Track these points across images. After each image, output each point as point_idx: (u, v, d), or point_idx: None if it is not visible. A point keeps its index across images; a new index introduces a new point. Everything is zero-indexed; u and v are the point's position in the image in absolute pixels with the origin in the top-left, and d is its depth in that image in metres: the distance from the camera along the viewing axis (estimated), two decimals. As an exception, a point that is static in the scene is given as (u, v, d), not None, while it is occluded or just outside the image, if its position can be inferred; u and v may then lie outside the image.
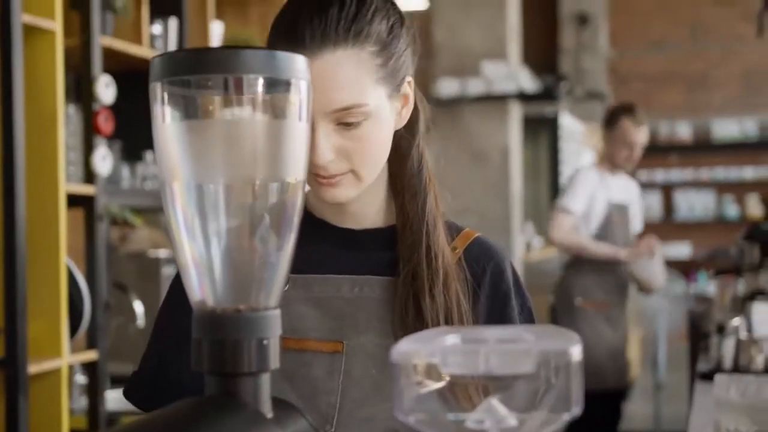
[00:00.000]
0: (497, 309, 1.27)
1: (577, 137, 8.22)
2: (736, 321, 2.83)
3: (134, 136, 3.15)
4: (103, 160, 2.99)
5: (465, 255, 1.27)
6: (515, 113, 6.41)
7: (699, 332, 3.99)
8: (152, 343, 1.31)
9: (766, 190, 9.32)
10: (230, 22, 4.00)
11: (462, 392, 0.68)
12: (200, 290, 0.71)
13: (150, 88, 0.71)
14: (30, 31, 2.68)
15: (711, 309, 3.87)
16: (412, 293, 1.21)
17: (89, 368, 3.00)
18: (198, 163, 0.71)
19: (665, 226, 9.40)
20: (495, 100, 6.22)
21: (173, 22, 3.47)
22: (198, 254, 0.71)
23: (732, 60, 9.34)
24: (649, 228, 8.91)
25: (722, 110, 9.39)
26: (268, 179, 0.71)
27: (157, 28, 3.40)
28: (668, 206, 9.59)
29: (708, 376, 2.58)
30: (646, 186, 9.35)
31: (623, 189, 4.43)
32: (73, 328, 2.86)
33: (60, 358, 2.74)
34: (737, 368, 2.62)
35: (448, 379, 0.67)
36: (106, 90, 2.97)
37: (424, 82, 6.44)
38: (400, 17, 1.24)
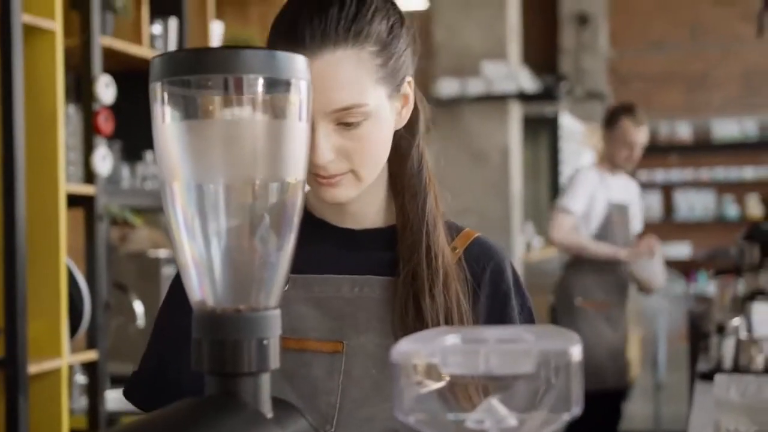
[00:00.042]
0: (497, 309, 1.27)
1: (577, 137, 8.22)
2: (736, 321, 2.83)
3: (134, 136, 3.15)
4: (103, 160, 2.99)
5: (465, 255, 1.27)
6: (515, 113, 6.41)
7: (699, 332, 3.99)
8: (152, 344, 1.31)
9: (766, 190, 9.32)
10: (230, 22, 4.01)
11: (462, 392, 0.68)
12: (200, 290, 0.71)
13: (150, 88, 0.71)
14: (30, 31, 2.68)
15: (711, 309, 3.87)
16: (412, 293, 1.21)
17: (89, 368, 3.00)
18: (198, 163, 0.71)
19: (665, 226, 9.40)
20: (495, 100, 6.22)
21: (173, 22, 3.47)
22: (198, 254, 0.71)
23: (732, 60, 9.34)
24: (649, 228, 8.91)
25: (722, 110, 9.39)
26: (268, 179, 0.71)
27: (157, 28, 3.41)
28: (668, 206, 9.59)
29: (708, 376, 2.58)
30: (646, 186, 9.35)
31: (623, 189, 4.43)
32: (73, 328, 2.86)
33: (60, 358, 2.74)
34: (737, 368, 2.62)
35: (448, 379, 0.67)
36: (106, 90, 2.97)
37: (424, 82, 6.45)
38: (400, 17, 1.24)
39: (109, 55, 3.07)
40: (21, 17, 2.59)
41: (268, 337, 0.70)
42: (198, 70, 0.69)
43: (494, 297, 1.27)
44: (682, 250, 9.38)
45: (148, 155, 3.37)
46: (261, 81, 0.69)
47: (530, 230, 7.16)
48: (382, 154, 1.22)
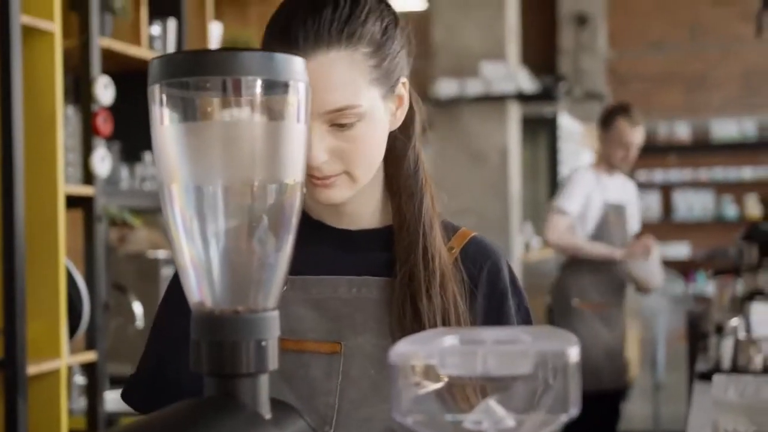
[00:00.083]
0: (494, 308, 1.27)
1: (576, 138, 8.22)
2: (735, 321, 2.83)
3: (133, 137, 3.16)
4: (102, 161, 2.99)
5: (461, 255, 1.27)
6: (514, 114, 6.41)
7: (698, 332, 3.99)
8: (150, 345, 1.31)
9: (764, 190, 9.32)
10: (229, 23, 4.01)
11: (460, 393, 0.68)
12: (199, 291, 0.71)
13: (148, 90, 0.71)
14: (29, 32, 2.68)
15: (710, 309, 3.87)
16: (409, 294, 1.21)
17: (88, 369, 3.00)
18: (196, 165, 0.71)
19: (664, 226, 9.40)
20: (494, 101, 6.23)
21: (172, 23, 3.47)
22: (197, 256, 0.71)
23: (731, 60, 9.35)
24: (648, 228, 8.91)
25: (721, 110, 9.40)
26: (266, 181, 0.71)
27: (155, 29, 3.41)
28: (667, 206, 9.59)
29: (707, 376, 2.59)
30: (644, 186, 9.36)
31: (620, 189, 4.42)
32: (72, 329, 2.87)
33: (59, 359, 2.74)
34: (736, 368, 2.62)
35: (446, 380, 0.67)
36: (104, 91, 2.97)
37: (422, 82, 6.44)
38: (395, 18, 1.23)
39: (108, 56, 3.07)
40: (20, 18, 2.60)
41: (267, 339, 0.70)
42: (196, 72, 0.70)
43: (491, 296, 1.27)
44: (681, 250, 9.38)
45: (147, 156, 3.37)
46: (259, 83, 0.70)
47: (529, 230, 7.16)
48: (377, 155, 1.22)
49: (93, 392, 2.99)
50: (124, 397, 1.30)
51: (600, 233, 4.30)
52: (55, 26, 2.74)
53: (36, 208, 2.71)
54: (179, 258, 0.71)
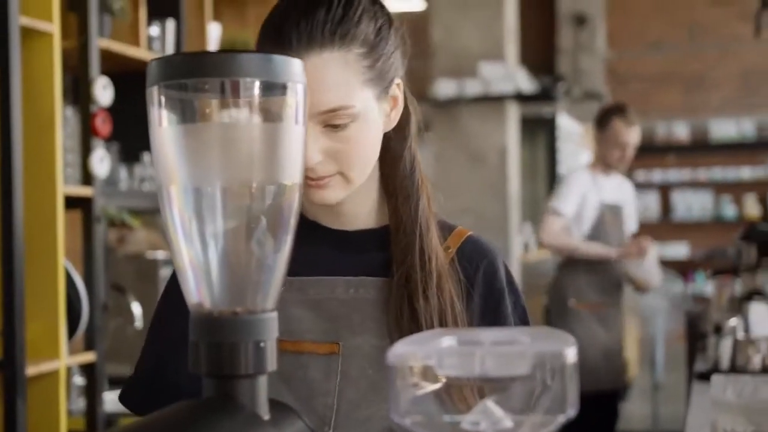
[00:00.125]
0: (491, 307, 1.27)
1: (575, 138, 8.23)
2: (733, 321, 2.83)
3: (132, 138, 3.16)
4: (101, 161, 2.99)
5: (458, 254, 1.27)
6: (513, 114, 6.42)
7: (697, 332, 3.99)
8: (148, 346, 1.30)
9: (763, 190, 9.33)
10: (228, 24, 4.01)
11: (458, 394, 0.68)
12: (197, 293, 0.71)
13: (147, 92, 0.71)
14: (27, 33, 2.68)
15: (708, 309, 3.87)
16: (407, 295, 1.21)
17: (87, 370, 3.00)
18: (195, 167, 0.71)
19: (663, 226, 9.41)
20: (492, 101, 6.23)
21: (171, 24, 3.47)
22: (195, 257, 0.71)
23: (729, 60, 9.35)
24: (647, 228, 8.92)
25: (720, 110, 9.40)
26: (264, 182, 0.71)
27: (154, 30, 3.41)
28: (666, 206, 9.60)
29: (705, 376, 2.59)
30: (643, 186, 9.37)
31: (616, 190, 4.42)
32: (71, 330, 2.87)
33: (58, 360, 2.74)
34: (734, 368, 2.63)
35: (444, 381, 0.67)
36: (103, 92, 2.98)
37: (421, 82, 6.45)
38: (389, 19, 1.23)
39: (107, 56, 3.08)
40: (18, 19, 2.60)
41: (265, 340, 0.70)
42: (195, 74, 0.70)
43: (488, 296, 1.27)
44: (679, 250, 9.39)
45: (146, 157, 3.37)
46: (257, 84, 0.70)
47: (528, 231, 7.16)
48: (371, 155, 1.22)
49: (92, 393, 2.99)
50: (122, 398, 1.30)
51: (596, 233, 4.30)
52: (53, 27, 2.74)
53: (35, 208, 2.71)
54: (178, 259, 0.72)
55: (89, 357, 2.95)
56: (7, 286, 2.58)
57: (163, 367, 1.26)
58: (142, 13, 3.33)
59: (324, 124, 1.16)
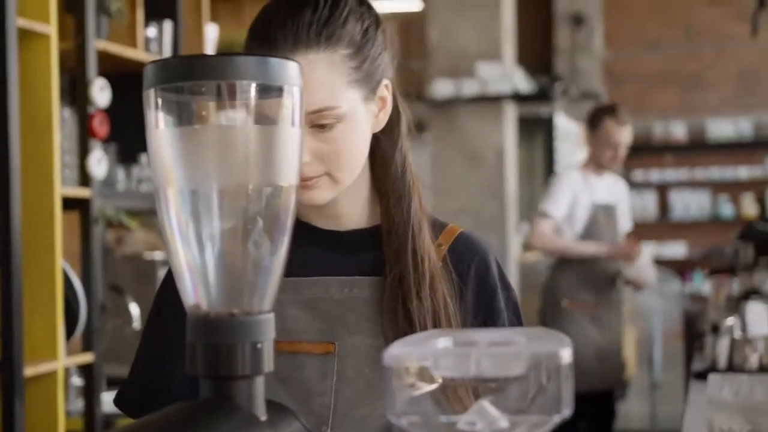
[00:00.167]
0: (484, 303, 1.28)
1: (572, 137, 8.23)
2: (731, 320, 2.83)
3: (129, 139, 3.16)
4: (99, 163, 2.99)
5: (450, 251, 1.28)
6: (510, 114, 6.42)
7: (694, 331, 4.00)
8: (142, 348, 1.30)
9: (760, 189, 9.33)
10: (225, 25, 4.01)
11: (454, 395, 0.69)
12: (194, 294, 0.71)
13: (144, 94, 0.71)
14: (25, 34, 2.69)
15: (706, 308, 3.87)
16: (400, 296, 1.21)
17: (85, 370, 3.00)
18: (192, 169, 0.72)
19: (661, 226, 9.41)
20: (490, 101, 6.23)
21: (168, 25, 3.47)
22: (192, 259, 0.71)
23: (726, 60, 9.36)
24: (645, 227, 8.94)
25: (717, 110, 9.41)
26: (261, 184, 0.72)
27: (151, 31, 3.41)
28: (663, 206, 9.61)
29: (703, 376, 2.59)
30: (641, 186, 9.37)
31: (609, 189, 4.42)
32: (69, 331, 2.87)
33: (56, 361, 2.75)
34: (732, 367, 2.63)
35: (440, 381, 0.68)
36: (101, 93, 2.98)
37: (418, 82, 6.45)
38: (376, 20, 1.23)
39: (104, 58, 3.08)
40: (15, 21, 2.60)
41: (262, 341, 0.71)
42: (191, 77, 0.70)
43: (481, 292, 1.28)
44: (677, 249, 9.39)
45: (144, 158, 3.38)
46: (254, 87, 0.70)
47: (525, 231, 7.16)
48: (358, 156, 1.22)
49: (90, 394, 2.99)
50: (117, 402, 1.30)
51: (589, 234, 4.30)
52: (51, 29, 2.74)
53: (33, 210, 2.71)
54: (175, 261, 0.72)
55: (87, 358, 2.95)
56: (5, 287, 2.58)
57: (159, 368, 1.26)
58: (139, 14, 3.33)
59: (311, 124, 1.16)
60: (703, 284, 8.27)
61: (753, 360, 2.62)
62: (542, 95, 6.94)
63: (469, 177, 6.15)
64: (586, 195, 4.29)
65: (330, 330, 1.23)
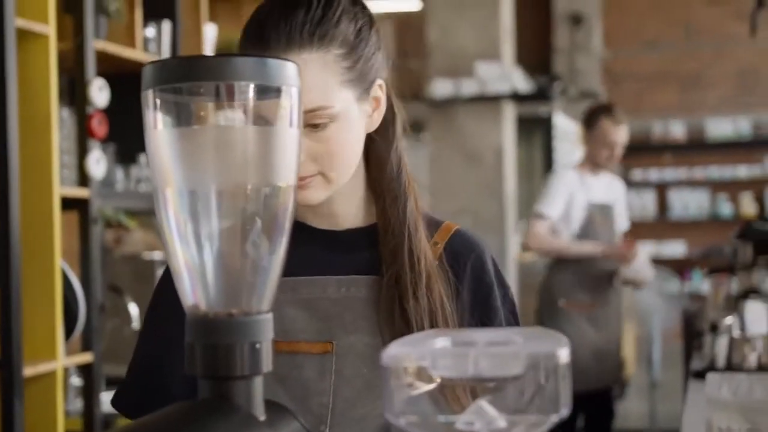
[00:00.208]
0: (480, 301, 1.28)
1: (571, 137, 8.23)
2: (729, 319, 2.83)
3: (128, 139, 3.16)
4: (97, 163, 2.99)
5: (446, 249, 1.28)
6: (509, 113, 6.42)
7: (693, 330, 4.00)
8: (140, 349, 1.30)
9: (759, 188, 9.34)
10: (224, 25, 4.01)
11: (452, 394, 0.69)
12: (193, 295, 0.71)
13: (142, 95, 0.71)
14: (23, 35, 2.69)
15: (705, 307, 3.88)
16: (397, 296, 1.22)
17: (84, 370, 3.01)
18: (190, 170, 0.72)
19: (660, 225, 9.42)
20: (489, 101, 6.23)
21: (167, 25, 3.47)
22: (191, 259, 0.71)
23: (725, 59, 9.36)
24: (644, 227, 8.95)
25: (716, 109, 9.42)
26: (259, 184, 0.72)
27: (150, 31, 3.41)
28: (662, 205, 9.61)
29: (701, 375, 2.59)
30: (640, 185, 9.38)
31: (606, 189, 4.42)
32: (68, 331, 2.87)
33: (55, 361, 2.75)
34: (730, 366, 2.63)
35: (438, 381, 0.68)
36: (99, 93, 2.98)
37: (417, 82, 6.45)
38: (370, 20, 1.23)
39: (103, 58, 3.08)
40: (14, 21, 2.60)
41: (261, 341, 0.71)
42: (190, 78, 0.70)
43: (477, 289, 1.28)
44: (676, 248, 9.40)
45: (142, 158, 3.38)
46: (252, 88, 0.70)
47: (524, 230, 7.16)
48: (352, 156, 1.22)
49: (89, 394, 2.99)
50: (115, 402, 1.30)
51: (585, 233, 4.30)
52: (49, 29, 2.74)
53: (31, 210, 2.71)
54: (173, 261, 0.72)
55: (86, 358, 2.95)
56: (4, 287, 2.59)
57: (157, 368, 1.26)
58: (138, 14, 3.33)
59: (304, 124, 1.16)
60: (702, 283, 8.27)
61: (752, 359, 2.62)
62: (541, 95, 6.94)
63: (468, 177, 6.15)
64: (582, 194, 4.29)
65: (327, 329, 1.23)
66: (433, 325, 1.21)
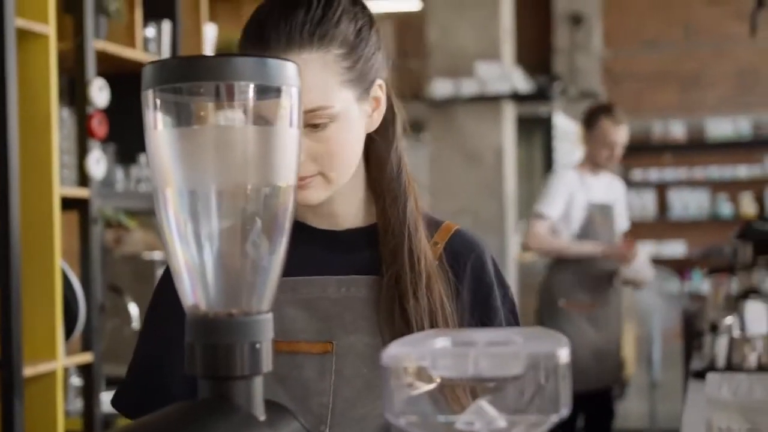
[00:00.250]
0: (480, 300, 1.28)
1: (571, 137, 8.23)
2: (729, 319, 2.83)
3: (128, 139, 3.16)
4: (97, 163, 2.99)
5: (446, 249, 1.28)
6: (509, 113, 6.42)
7: (693, 330, 4.00)
8: (139, 349, 1.30)
9: (759, 188, 9.34)
10: (224, 25, 4.01)
11: (452, 394, 0.69)
12: (193, 295, 0.71)
13: (142, 95, 0.71)
14: (23, 35, 2.69)
15: (705, 307, 3.88)
16: (397, 296, 1.22)
17: (84, 370, 3.01)
18: (190, 170, 0.72)
19: (660, 225, 9.42)
20: (489, 101, 6.23)
21: (167, 25, 3.47)
22: (191, 259, 0.71)
23: (725, 59, 9.36)
24: (644, 227, 8.95)
25: (716, 109, 9.42)
26: (259, 184, 0.72)
27: (150, 31, 3.41)
28: (662, 205, 9.61)
29: (701, 375, 2.59)
30: (640, 185, 9.38)
31: (606, 189, 4.42)
32: (68, 331, 2.87)
33: (55, 361, 2.75)
34: (730, 366, 2.63)
35: (438, 381, 0.68)
36: (99, 93, 2.98)
37: (417, 82, 6.45)
38: (370, 20, 1.24)
39: (103, 58, 3.08)
40: (14, 21, 2.60)
41: (261, 341, 0.71)
42: (189, 78, 0.70)
43: (477, 289, 1.28)
44: (676, 248, 9.40)
45: (142, 158, 3.38)
46: (252, 88, 0.70)
47: (524, 230, 7.16)
48: (352, 156, 1.23)
49: (89, 393, 2.99)
50: (114, 402, 1.30)
51: (585, 233, 4.30)
52: (49, 29, 2.74)
53: (31, 210, 2.71)
54: (173, 261, 0.72)
55: (86, 358, 2.95)
56: (4, 287, 2.59)
57: (156, 368, 1.26)
58: (138, 14, 3.33)
59: (304, 124, 1.16)
60: (702, 283, 8.27)
61: (752, 359, 2.62)
62: (541, 95, 6.94)
63: (468, 177, 6.15)
64: (582, 194, 4.29)
65: (327, 329, 1.23)
66: (433, 325, 1.21)
